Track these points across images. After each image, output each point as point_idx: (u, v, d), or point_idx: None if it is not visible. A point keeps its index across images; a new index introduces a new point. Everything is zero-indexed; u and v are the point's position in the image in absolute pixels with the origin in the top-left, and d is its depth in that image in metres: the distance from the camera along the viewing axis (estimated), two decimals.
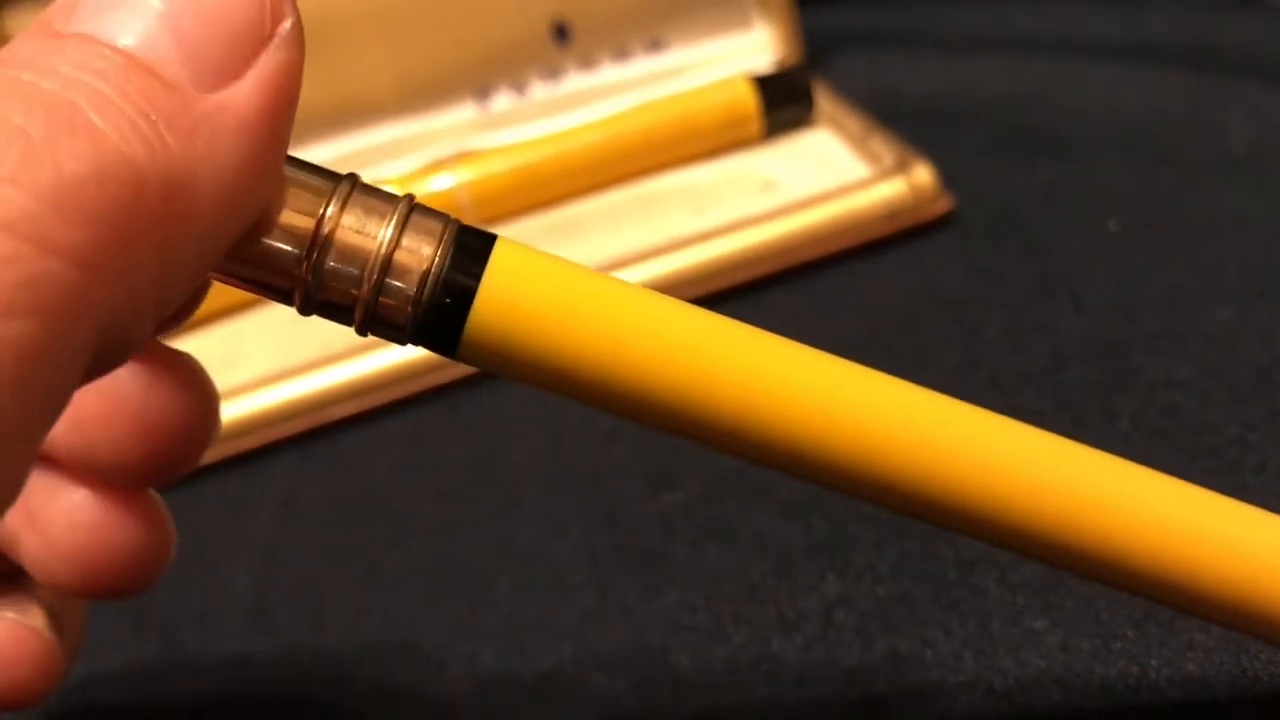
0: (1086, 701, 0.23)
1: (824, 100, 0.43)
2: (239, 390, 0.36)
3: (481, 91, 0.45)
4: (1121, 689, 0.23)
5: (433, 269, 0.16)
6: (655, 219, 0.40)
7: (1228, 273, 0.33)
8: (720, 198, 0.41)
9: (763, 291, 0.37)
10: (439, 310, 0.17)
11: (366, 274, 0.16)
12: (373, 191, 0.17)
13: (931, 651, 0.25)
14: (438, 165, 0.41)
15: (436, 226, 0.17)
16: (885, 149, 0.39)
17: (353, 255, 0.16)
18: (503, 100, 0.46)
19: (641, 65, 0.45)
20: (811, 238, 0.38)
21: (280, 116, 0.15)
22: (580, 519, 0.30)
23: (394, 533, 0.31)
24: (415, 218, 0.17)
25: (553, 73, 0.45)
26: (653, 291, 0.18)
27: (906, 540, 0.27)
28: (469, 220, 0.39)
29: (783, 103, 0.42)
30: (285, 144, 0.16)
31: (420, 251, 0.16)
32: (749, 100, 0.42)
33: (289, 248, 0.16)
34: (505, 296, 0.17)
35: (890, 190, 0.38)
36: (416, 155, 0.44)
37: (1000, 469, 0.18)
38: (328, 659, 0.28)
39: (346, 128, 0.45)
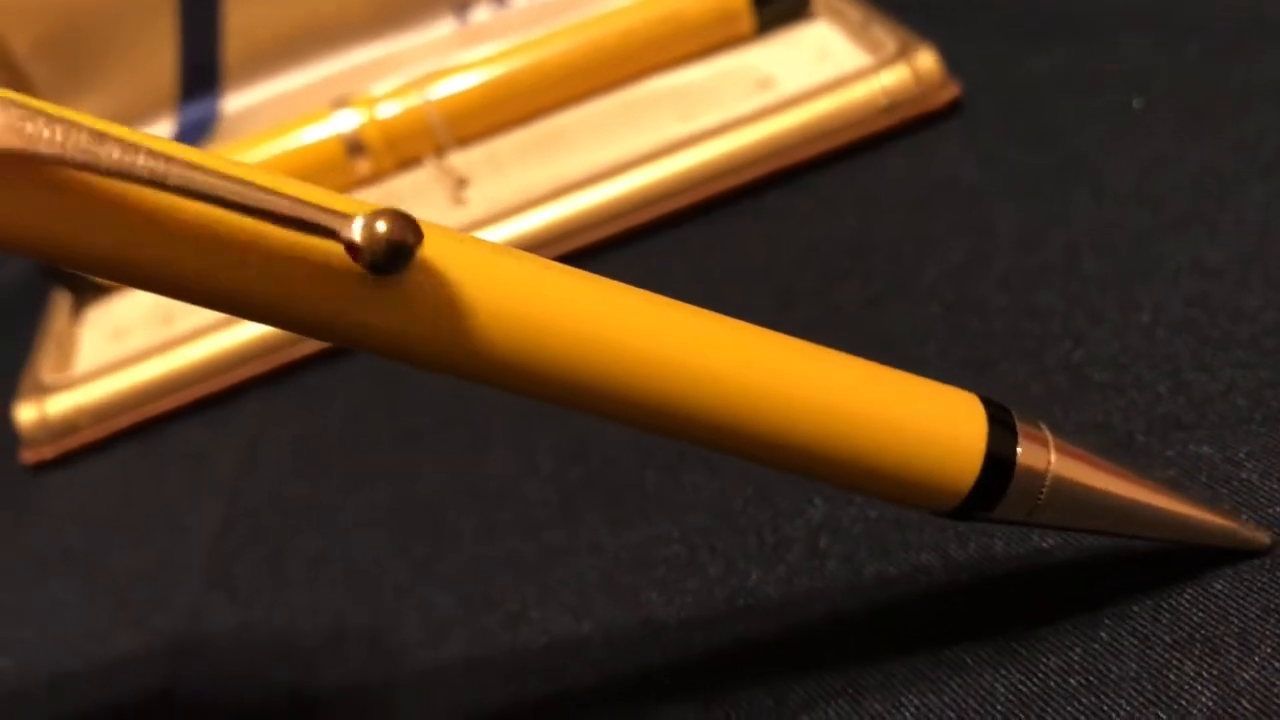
0: (1098, 624, 0.20)
1: None
2: (201, 332, 0.34)
3: (460, 4, 0.43)
4: (1139, 611, 0.20)
5: None
6: (644, 126, 0.37)
7: (1265, 147, 0.30)
8: (714, 99, 0.38)
9: (760, 195, 0.35)
10: None
11: None
12: None
13: (926, 578, 0.22)
14: (407, 87, 0.38)
15: None
16: (887, 36, 0.36)
17: None
18: (483, 12, 0.43)
19: None
20: (809, 135, 0.35)
21: None
22: (551, 452, 0.28)
23: (358, 476, 0.29)
24: None
25: None
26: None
27: None
28: (443, 142, 0.35)
29: None
30: None
31: None
32: None
33: None
34: None
35: (892, 79, 0.35)
36: (395, 76, 0.41)
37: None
38: (282, 613, 0.26)
39: (320, 52, 0.43)
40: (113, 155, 0.13)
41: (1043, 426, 0.19)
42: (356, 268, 0.14)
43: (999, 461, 0.18)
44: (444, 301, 0.15)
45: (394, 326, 0.15)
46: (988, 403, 0.18)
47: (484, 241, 0.16)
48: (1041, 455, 0.18)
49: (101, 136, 0.13)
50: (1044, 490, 0.18)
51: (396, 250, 0.14)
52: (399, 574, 0.26)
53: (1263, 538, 0.20)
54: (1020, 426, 0.18)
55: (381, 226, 0.14)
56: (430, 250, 0.15)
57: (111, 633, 0.27)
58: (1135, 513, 0.19)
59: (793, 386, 0.17)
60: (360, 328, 0.15)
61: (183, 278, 0.14)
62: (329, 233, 0.14)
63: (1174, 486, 0.20)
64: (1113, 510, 0.19)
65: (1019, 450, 0.18)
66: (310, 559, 0.28)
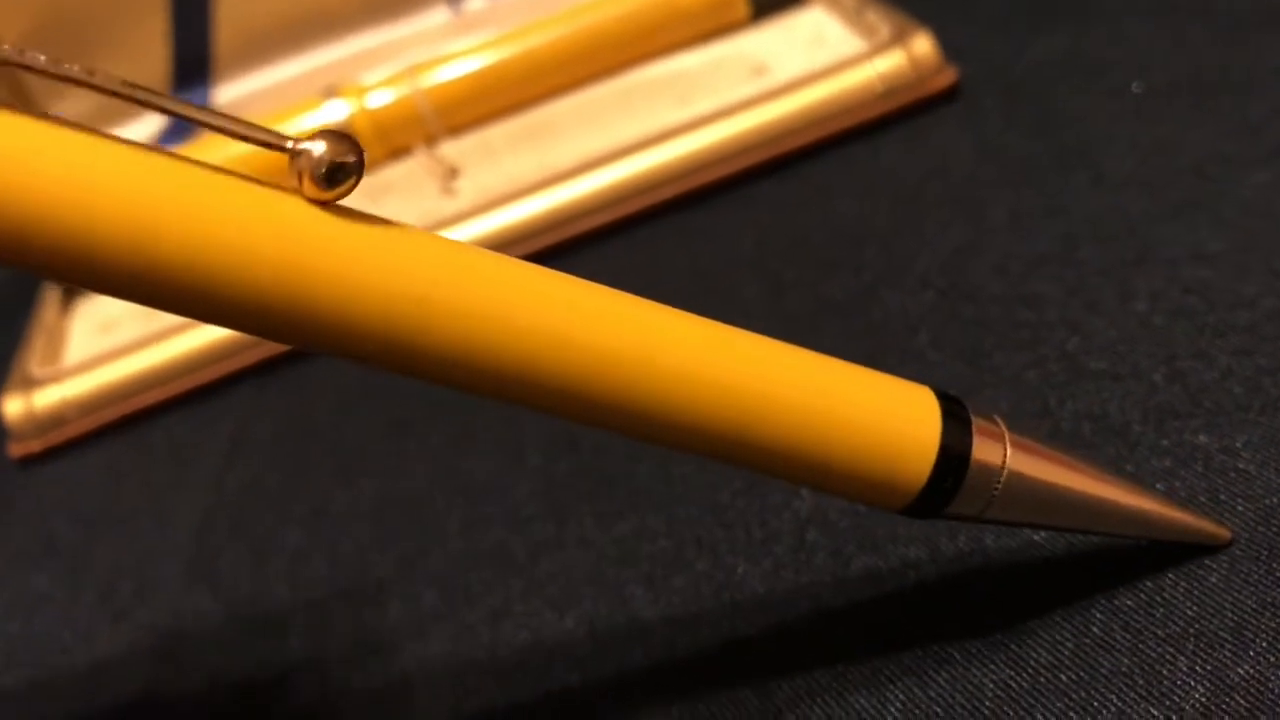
0: (1089, 618, 0.20)
1: None
2: (189, 323, 0.33)
3: None
4: (1132, 605, 0.20)
5: None
6: (638, 114, 0.37)
7: (1268, 132, 0.29)
8: (708, 86, 0.37)
9: (755, 182, 0.34)
10: None
11: None
12: None
13: (914, 571, 0.22)
14: (397, 76, 0.38)
15: None
16: (882, 21, 0.36)
17: None
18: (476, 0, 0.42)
19: None
20: (804, 122, 0.34)
21: None
22: (540, 444, 0.27)
23: (344, 470, 0.29)
24: None
25: None
26: None
27: None
28: (434, 132, 0.35)
29: None
30: None
31: None
32: None
33: None
34: None
35: (887, 64, 0.34)
36: (389, 66, 0.41)
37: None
38: (265, 608, 0.26)
39: (313, 41, 0.42)
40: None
41: (998, 420, 0.18)
42: (300, 188, 0.14)
43: (954, 457, 0.17)
44: (377, 237, 0.15)
45: (330, 256, 0.14)
46: (943, 396, 0.18)
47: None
48: (997, 450, 0.18)
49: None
50: (999, 485, 0.18)
51: (339, 167, 0.14)
52: (383, 568, 0.26)
53: (1224, 533, 0.20)
54: (975, 421, 0.18)
55: (324, 143, 0.14)
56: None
57: (96, 626, 0.27)
58: (1092, 508, 0.19)
59: (739, 379, 0.16)
60: (295, 258, 0.14)
61: (123, 213, 0.14)
62: (275, 147, 0.14)
63: (1132, 481, 0.20)
64: (1069, 506, 0.19)
65: (974, 445, 0.18)
66: (294, 553, 0.27)
